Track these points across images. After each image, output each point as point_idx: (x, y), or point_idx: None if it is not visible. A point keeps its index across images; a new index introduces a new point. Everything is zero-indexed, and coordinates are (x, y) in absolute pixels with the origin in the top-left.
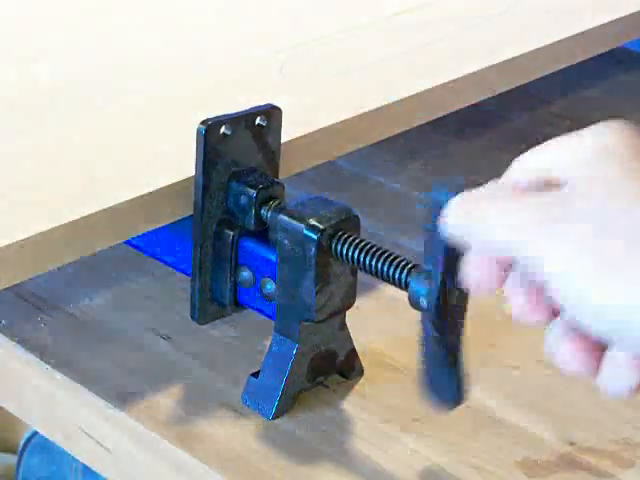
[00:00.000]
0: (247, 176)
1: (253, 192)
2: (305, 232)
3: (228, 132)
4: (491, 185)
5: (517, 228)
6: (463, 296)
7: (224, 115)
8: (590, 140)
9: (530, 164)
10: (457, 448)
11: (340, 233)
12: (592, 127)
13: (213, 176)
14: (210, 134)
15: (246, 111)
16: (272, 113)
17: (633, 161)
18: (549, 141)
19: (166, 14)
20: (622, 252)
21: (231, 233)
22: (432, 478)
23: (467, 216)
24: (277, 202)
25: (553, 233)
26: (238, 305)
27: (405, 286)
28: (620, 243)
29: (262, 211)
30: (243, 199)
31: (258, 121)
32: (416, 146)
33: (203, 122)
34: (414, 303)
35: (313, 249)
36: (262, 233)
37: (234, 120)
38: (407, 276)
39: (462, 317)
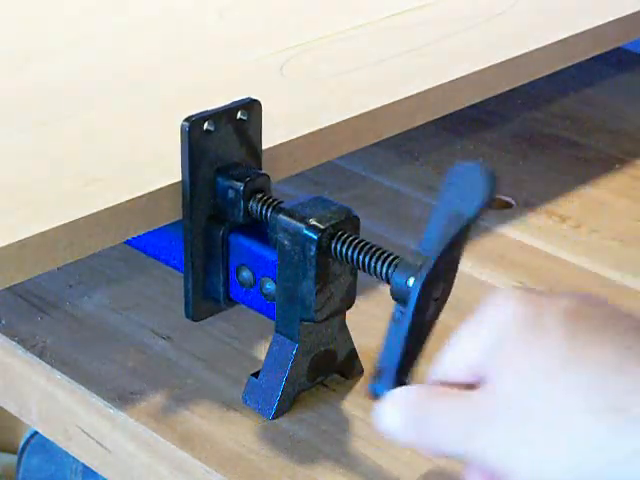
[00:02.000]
0: (232, 170)
1: (240, 185)
2: (305, 232)
3: (211, 128)
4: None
5: (459, 435)
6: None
7: (205, 111)
8: (488, 325)
9: (448, 365)
10: None
11: (340, 233)
12: (488, 305)
13: (199, 172)
14: (194, 130)
15: (227, 106)
16: (252, 106)
17: (530, 334)
18: (456, 335)
19: (166, 14)
20: (542, 436)
21: (221, 228)
22: (432, 478)
23: (415, 423)
24: (265, 195)
25: (486, 432)
26: (232, 300)
27: None
28: (538, 428)
29: (250, 204)
30: (231, 193)
31: (239, 115)
32: (416, 146)
33: (186, 119)
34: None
35: (313, 249)
36: (260, 232)
37: (216, 115)
38: None
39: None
